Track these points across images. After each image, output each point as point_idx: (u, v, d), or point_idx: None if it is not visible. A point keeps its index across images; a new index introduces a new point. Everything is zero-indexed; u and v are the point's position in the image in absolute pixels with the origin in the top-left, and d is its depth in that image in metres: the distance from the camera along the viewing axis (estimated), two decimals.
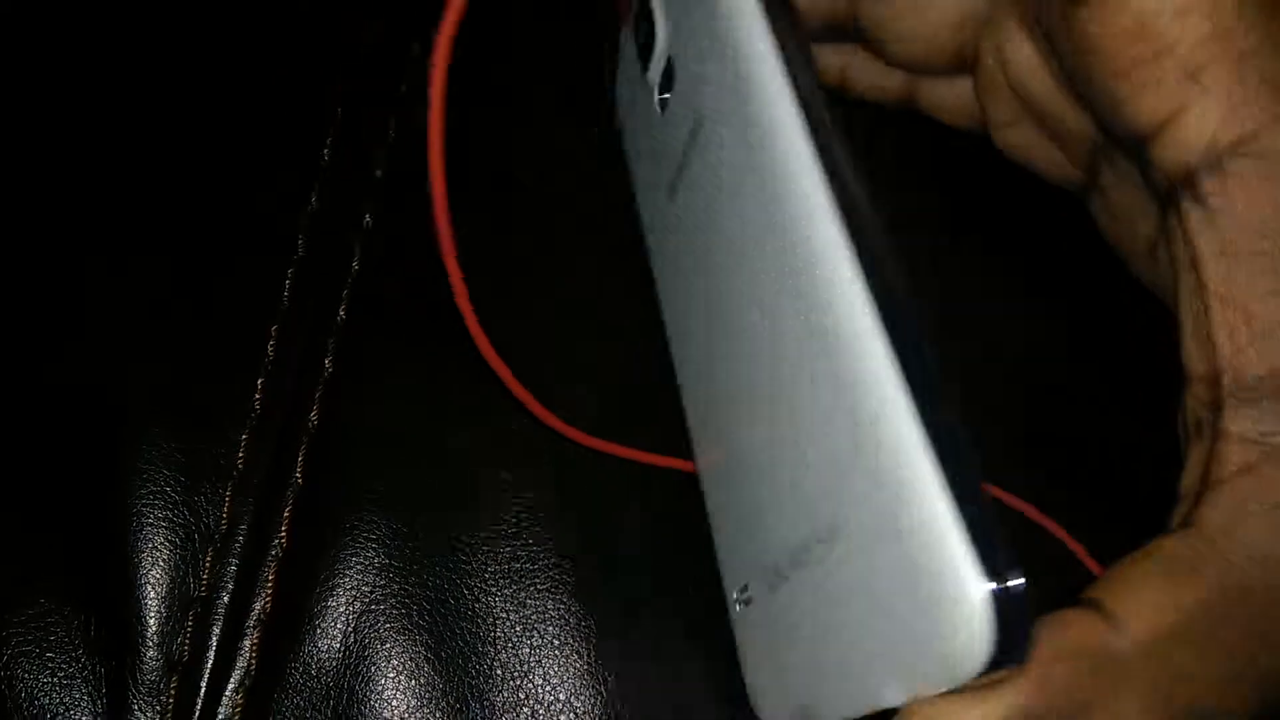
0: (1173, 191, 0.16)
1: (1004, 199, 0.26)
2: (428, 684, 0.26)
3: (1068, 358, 0.28)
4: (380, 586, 0.27)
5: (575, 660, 0.26)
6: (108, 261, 0.29)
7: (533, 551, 0.27)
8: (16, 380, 0.28)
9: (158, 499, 0.27)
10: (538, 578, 0.27)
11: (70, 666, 0.25)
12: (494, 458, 0.28)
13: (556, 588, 0.27)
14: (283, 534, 0.27)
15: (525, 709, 0.26)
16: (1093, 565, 0.25)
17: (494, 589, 0.27)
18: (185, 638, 0.26)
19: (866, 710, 0.16)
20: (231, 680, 0.26)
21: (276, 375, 0.28)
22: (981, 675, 0.13)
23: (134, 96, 0.31)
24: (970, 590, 0.13)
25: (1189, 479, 0.17)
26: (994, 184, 0.25)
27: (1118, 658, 0.14)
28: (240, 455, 0.27)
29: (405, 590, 0.27)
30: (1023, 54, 0.20)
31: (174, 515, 0.27)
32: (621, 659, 0.26)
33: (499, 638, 0.27)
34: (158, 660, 0.26)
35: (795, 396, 0.16)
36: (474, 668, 0.26)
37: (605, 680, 0.26)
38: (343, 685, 0.26)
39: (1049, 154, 0.22)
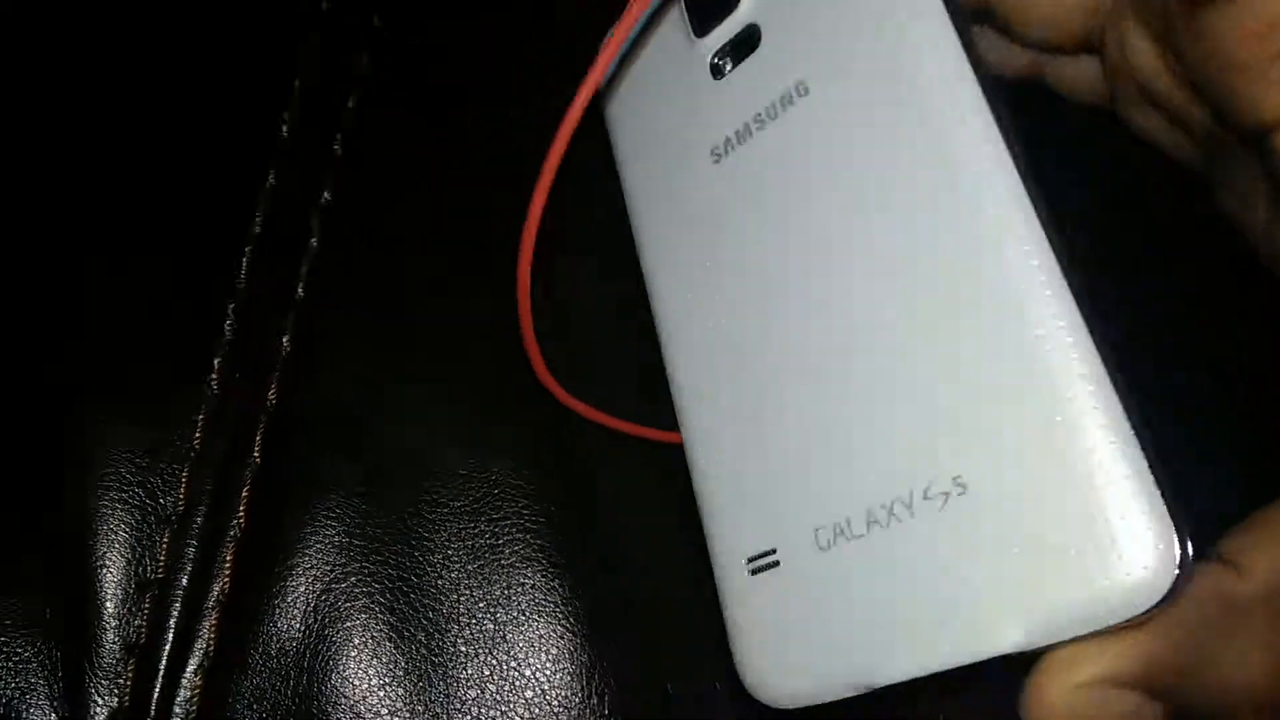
0: None
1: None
2: (390, 662, 0.26)
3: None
4: (340, 565, 0.26)
5: (541, 634, 0.26)
6: (59, 240, 0.29)
7: (497, 528, 0.27)
8: None
9: (113, 480, 0.26)
10: (502, 553, 0.27)
11: (25, 650, 0.25)
12: (455, 436, 0.28)
13: (521, 563, 0.27)
14: (241, 514, 0.27)
15: (490, 684, 0.26)
16: None
17: (457, 565, 0.27)
18: (143, 620, 0.25)
19: (945, 665, 0.17)
20: (190, 662, 0.25)
21: (234, 354, 0.28)
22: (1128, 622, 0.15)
23: (87, 72, 0.31)
24: (1162, 548, 0.15)
25: None
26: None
27: (1239, 602, 0.16)
28: (197, 435, 0.27)
29: (366, 569, 0.26)
30: (1142, 46, 0.21)
31: (130, 497, 0.26)
32: (589, 632, 0.26)
33: (462, 614, 0.26)
34: (115, 643, 0.25)
35: (933, 349, 0.18)
36: (437, 644, 0.26)
37: (571, 653, 0.26)
38: (303, 665, 0.26)
39: (1171, 135, 0.22)
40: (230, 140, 0.31)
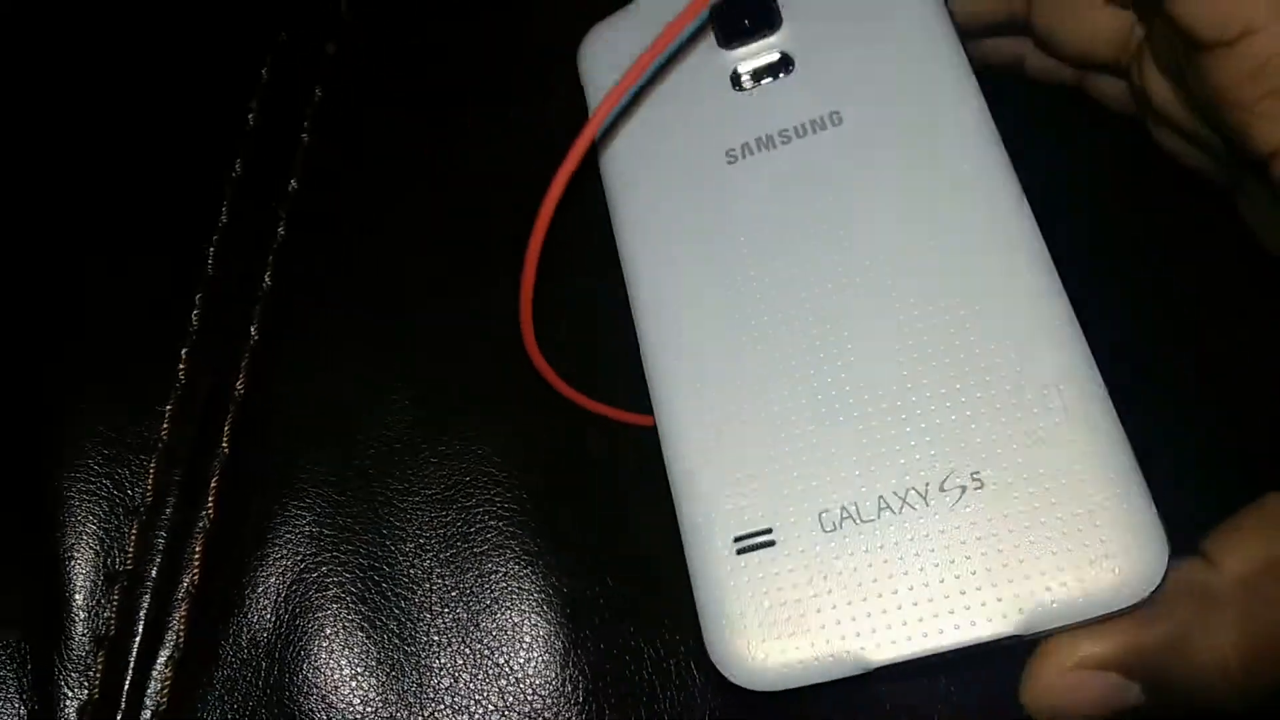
0: None
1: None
2: (362, 651, 0.26)
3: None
4: (311, 556, 0.26)
5: (514, 621, 0.26)
6: (24, 232, 0.28)
7: (469, 515, 0.27)
8: None
9: (80, 472, 0.26)
10: (474, 541, 0.27)
11: None
12: (425, 425, 0.28)
13: (494, 550, 0.27)
14: (210, 505, 0.26)
15: (464, 673, 0.26)
16: None
17: (429, 554, 0.27)
18: (112, 612, 0.25)
19: (942, 648, 0.18)
20: (161, 654, 0.25)
21: (201, 345, 0.28)
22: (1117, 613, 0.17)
23: (52, 58, 0.31)
24: (1148, 550, 0.17)
25: None
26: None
27: (1214, 592, 0.17)
28: (165, 426, 0.27)
29: (337, 558, 0.26)
30: (1159, 79, 0.23)
31: (97, 488, 0.26)
32: (563, 619, 0.26)
33: (434, 602, 0.26)
34: (85, 635, 0.25)
35: (947, 348, 0.20)
36: (409, 633, 0.26)
37: (545, 641, 0.26)
38: (275, 656, 0.26)
39: (1192, 152, 0.24)
40: (197, 131, 0.30)
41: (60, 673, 0.25)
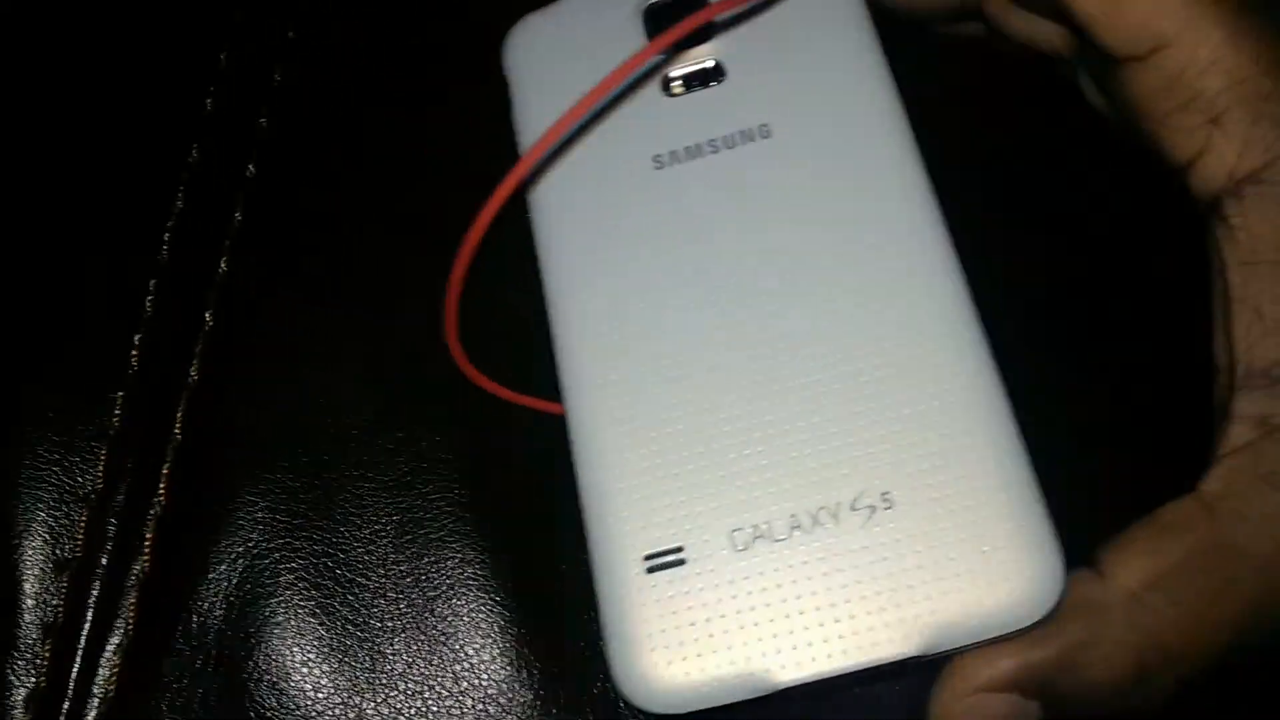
0: (1206, 213, 0.19)
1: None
2: (316, 638, 0.26)
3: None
4: (264, 543, 0.26)
5: (470, 607, 0.26)
6: None
7: (425, 502, 0.27)
8: None
9: (29, 458, 0.26)
10: (429, 527, 0.27)
11: None
12: (382, 412, 0.27)
13: (450, 536, 0.27)
14: (162, 492, 0.26)
15: (419, 659, 0.26)
16: None
17: (384, 539, 0.26)
18: (60, 600, 0.25)
19: (846, 669, 0.18)
20: (110, 642, 0.25)
21: (155, 330, 0.27)
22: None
23: (6, 42, 0.30)
24: (1043, 572, 0.18)
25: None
26: None
27: (1105, 605, 0.17)
28: (116, 412, 0.26)
29: (291, 545, 0.26)
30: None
31: (46, 475, 0.26)
32: (518, 604, 0.26)
33: (390, 588, 0.26)
34: (33, 624, 0.25)
35: (861, 367, 0.20)
36: (364, 619, 0.26)
37: (502, 626, 0.26)
38: (227, 643, 0.25)
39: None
40: (154, 116, 0.30)
41: (7, 661, 0.24)
